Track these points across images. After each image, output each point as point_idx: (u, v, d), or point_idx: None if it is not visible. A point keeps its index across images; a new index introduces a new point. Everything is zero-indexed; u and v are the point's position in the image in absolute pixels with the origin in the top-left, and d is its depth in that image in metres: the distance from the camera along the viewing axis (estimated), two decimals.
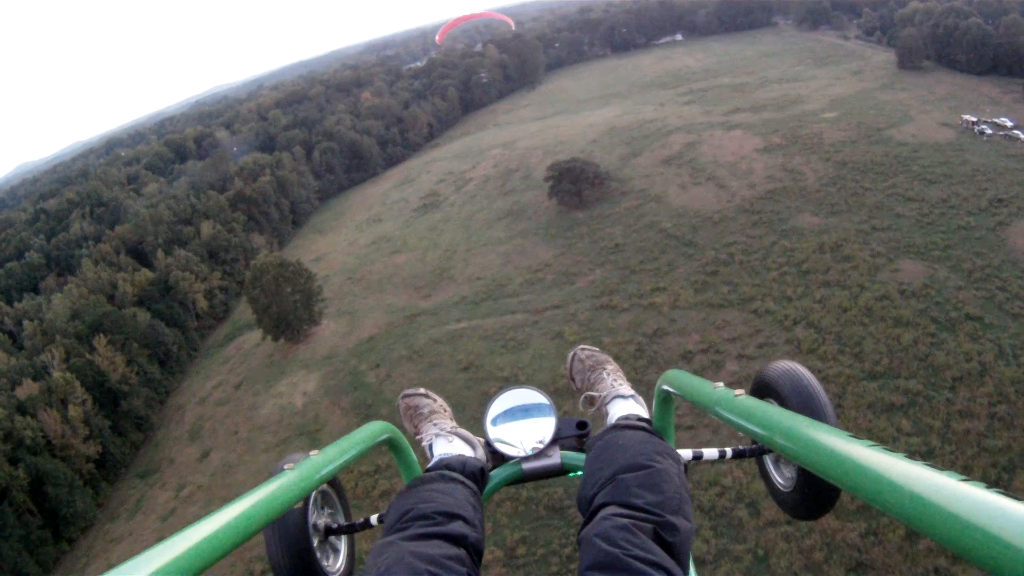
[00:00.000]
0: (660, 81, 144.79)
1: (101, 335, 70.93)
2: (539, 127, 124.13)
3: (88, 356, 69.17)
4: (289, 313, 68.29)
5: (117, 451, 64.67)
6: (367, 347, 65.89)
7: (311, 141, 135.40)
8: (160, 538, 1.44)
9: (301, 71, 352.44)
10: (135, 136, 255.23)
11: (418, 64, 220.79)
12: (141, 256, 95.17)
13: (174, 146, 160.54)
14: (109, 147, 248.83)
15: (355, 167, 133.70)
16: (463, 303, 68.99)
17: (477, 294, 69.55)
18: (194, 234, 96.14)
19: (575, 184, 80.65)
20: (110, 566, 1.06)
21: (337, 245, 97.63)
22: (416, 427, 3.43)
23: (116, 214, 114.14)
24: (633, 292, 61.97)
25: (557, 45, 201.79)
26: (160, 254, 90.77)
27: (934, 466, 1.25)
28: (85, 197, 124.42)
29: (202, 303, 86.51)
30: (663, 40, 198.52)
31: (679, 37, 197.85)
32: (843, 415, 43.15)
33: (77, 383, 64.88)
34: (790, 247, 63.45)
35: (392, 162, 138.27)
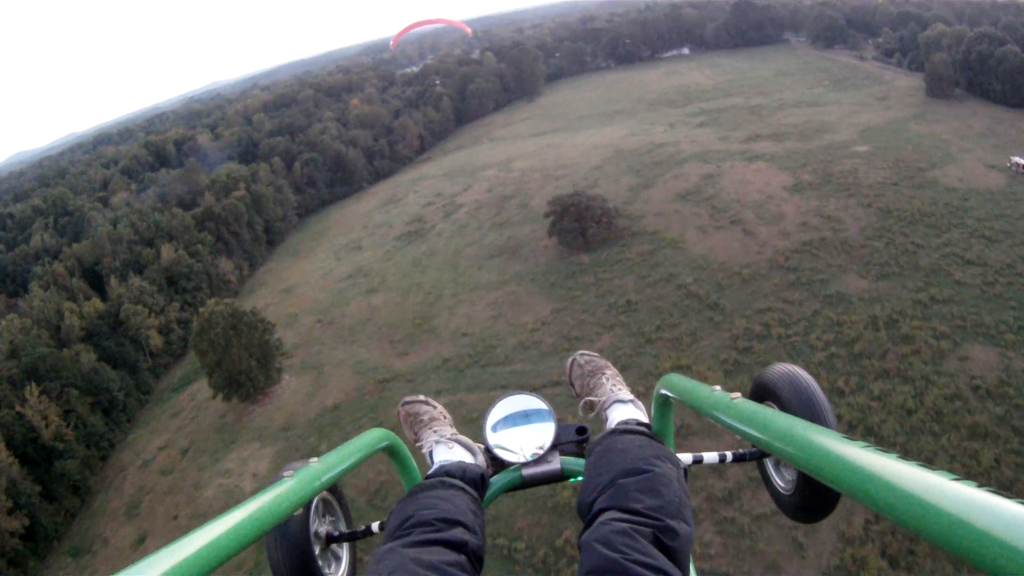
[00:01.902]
0: (668, 98, 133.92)
1: (33, 384, 60.83)
2: (537, 145, 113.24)
3: (19, 408, 59.18)
4: (241, 373, 57.25)
5: (48, 521, 54.56)
6: (330, 419, 54.76)
7: (294, 151, 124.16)
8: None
9: (297, 70, 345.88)
10: (123, 132, 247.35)
11: (413, 69, 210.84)
12: (96, 279, 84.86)
13: (154, 148, 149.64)
14: (97, 142, 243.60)
15: (339, 180, 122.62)
16: (444, 368, 57.68)
17: (461, 357, 58.14)
18: (154, 257, 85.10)
19: (579, 222, 69.38)
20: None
21: (311, 275, 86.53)
22: (416, 434, 3.35)
23: (80, 226, 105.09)
24: (649, 368, 50.40)
25: (558, 55, 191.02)
26: (113, 281, 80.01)
27: (927, 466, 1.26)
28: (51, 205, 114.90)
29: (156, 340, 75.63)
30: (669, 53, 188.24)
31: (686, 51, 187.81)
32: (915, 564, 33.99)
33: (2, 444, 55.28)
34: (836, 319, 52.42)
35: (378, 176, 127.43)
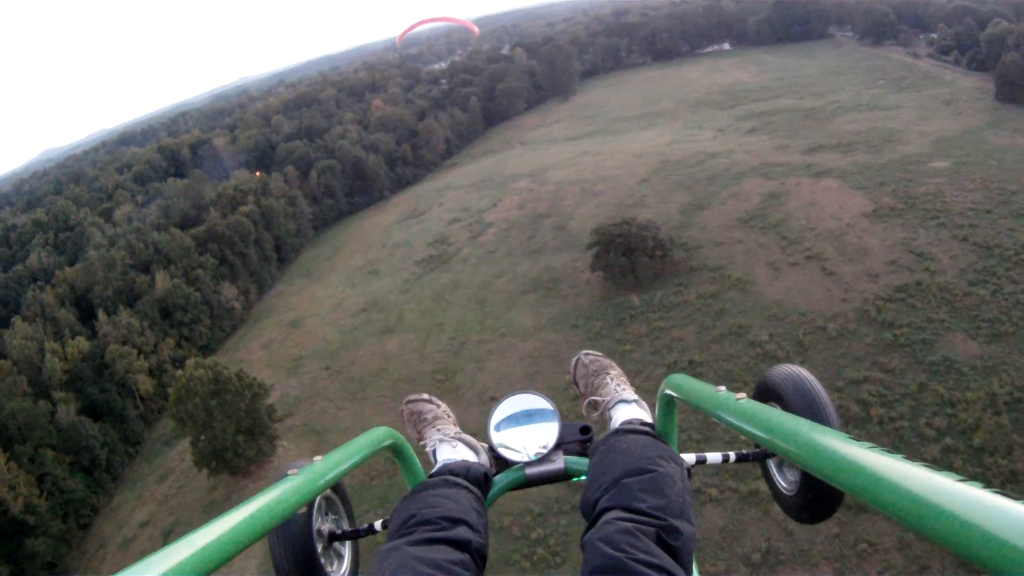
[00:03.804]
0: (712, 99, 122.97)
1: None
2: (573, 152, 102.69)
3: None
4: (228, 449, 47.35)
5: None
6: None
7: (311, 157, 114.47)
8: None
9: (325, 66, 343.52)
10: (147, 132, 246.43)
11: (441, 65, 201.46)
12: (87, 309, 76.31)
13: (168, 153, 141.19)
14: (122, 141, 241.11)
15: (358, 189, 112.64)
16: None
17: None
18: (148, 285, 75.68)
19: (628, 256, 58.65)
20: (113, 571, 1.25)
21: (322, 304, 76.72)
22: (420, 433, 3.34)
23: (79, 243, 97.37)
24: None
25: (591, 51, 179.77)
26: (102, 315, 70.91)
27: (934, 467, 1.25)
28: (52, 218, 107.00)
29: (146, 384, 66.26)
30: (709, 49, 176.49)
31: (726, 46, 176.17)
32: None
33: None
34: (947, 396, 41.38)
35: (401, 184, 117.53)
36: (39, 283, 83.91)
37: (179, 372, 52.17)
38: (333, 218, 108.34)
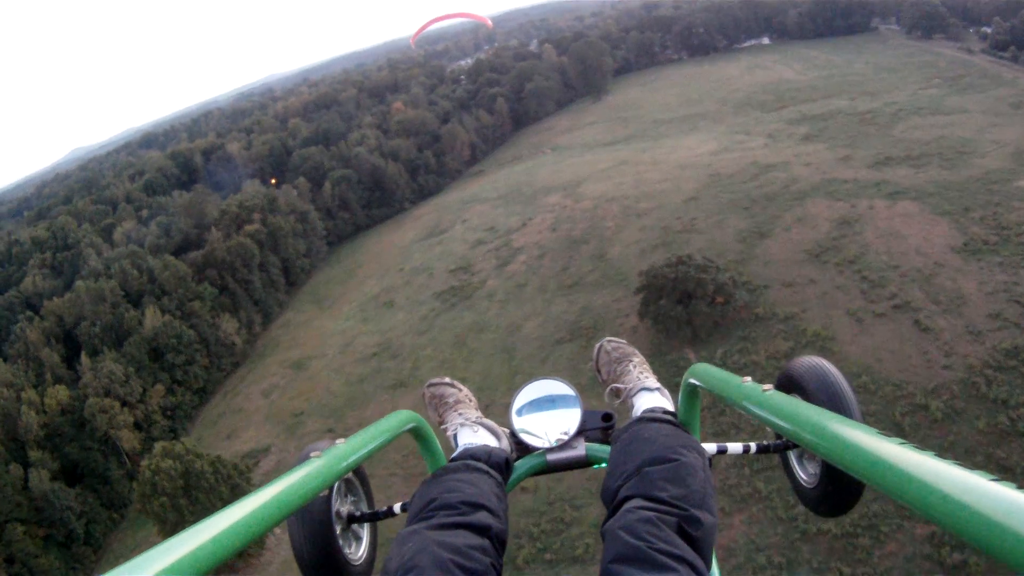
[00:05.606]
0: (757, 99, 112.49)
1: None
2: (610, 160, 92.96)
3: None
4: None
5: None
6: None
7: (325, 167, 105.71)
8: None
9: (351, 63, 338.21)
10: (169, 132, 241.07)
11: (467, 61, 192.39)
12: (74, 346, 68.94)
13: (180, 159, 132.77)
14: (144, 142, 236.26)
15: (376, 201, 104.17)
16: None
17: (519, 535, 37.56)
18: (138, 321, 67.29)
19: (684, 303, 48.92)
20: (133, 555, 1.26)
21: (330, 341, 68.45)
22: (441, 416, 3.28)
23: (76, 264, 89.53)
24: None
25: (624, 47, 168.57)
26: (85, 359, 63.02)
27: (965, 466, 1.25)
28: (52, 235, 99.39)
29: (130, 440, 57.92)
30: (747, 43, 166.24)
31: (766, 41, 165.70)
32: None
33: None
34: None
35: (422, 195, 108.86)
36: (28, 314, 76.65)
37: (144, 462, 43.14)
38: (349, 233, 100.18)
